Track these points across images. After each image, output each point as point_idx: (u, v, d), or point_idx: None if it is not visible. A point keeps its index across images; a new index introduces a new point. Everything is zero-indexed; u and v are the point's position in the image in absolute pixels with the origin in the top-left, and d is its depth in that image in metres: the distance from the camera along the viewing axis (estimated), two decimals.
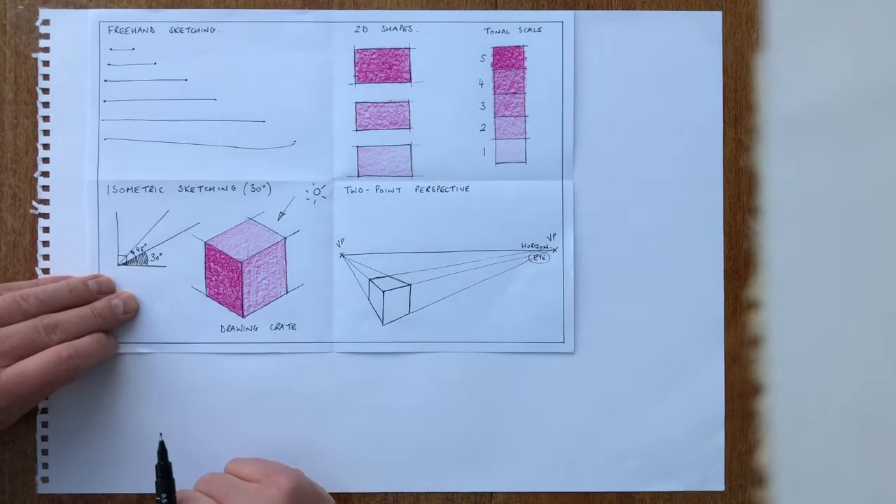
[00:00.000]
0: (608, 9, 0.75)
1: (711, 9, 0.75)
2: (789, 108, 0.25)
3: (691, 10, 0.75)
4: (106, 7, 0.74)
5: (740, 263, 0.75)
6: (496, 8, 0.75)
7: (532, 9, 0.75)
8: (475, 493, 0.75)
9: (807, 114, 0.24)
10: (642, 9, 0.75)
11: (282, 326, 0.75)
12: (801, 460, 0.27)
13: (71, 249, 0.74)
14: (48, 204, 0.74)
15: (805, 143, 0.25)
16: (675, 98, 0.75)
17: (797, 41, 0.25)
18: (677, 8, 0.75)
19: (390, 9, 0.75)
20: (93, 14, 0.74)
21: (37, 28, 0.74)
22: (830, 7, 0.24)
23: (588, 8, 0.75)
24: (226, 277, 0.74)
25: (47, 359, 0.66)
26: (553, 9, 0.75)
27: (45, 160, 0.74)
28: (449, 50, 0.75)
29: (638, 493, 0.75)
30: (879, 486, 0.25)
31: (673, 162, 0.75)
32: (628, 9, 0.75)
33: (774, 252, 0.26)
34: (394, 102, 0.75)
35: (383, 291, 0.74)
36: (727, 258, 0.75)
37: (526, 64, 0.75)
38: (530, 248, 0.75)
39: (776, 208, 0.26)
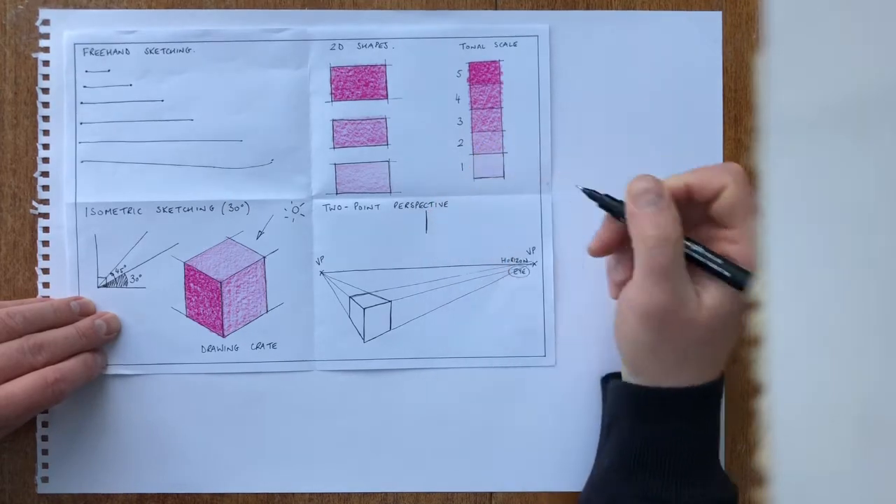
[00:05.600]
0: (608, 9, 0.75)
1: (711, 9, 0.75)
2: (789, 108, 0.25)
3: (691, 10, 0.75)
4: (106, 7, 0.74)
5: None
6: (496, 8, 0.75)
7: (532, 9, 0.75)
8: (475, 493, 0.75)
9: (807, 114, 0.25)
10: (642, 9, 0.75)
11: (262, 345, 0.74)
12: (801, 460, 0.27)
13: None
14: (48, 204, 0.74)
15: (805, 143, 0.25)
16: (675, 98, 0.75)
17: (797, 41, 0.25)
18: (677, 8, 0.75)
19: (390, 8, 0.75)
20: (67, 36, 0.74)
21: (37, 28, 0.74)
22: (830, 7, 0.24)
23: (588, 8, 0.75)
24: (206, 298, 0.74)
25: (33, 383, 0.65)
26: (553, 9, 0.75)
27: (45, 160, 0.74)
28: (425, 66, 0.75)
29: None
30: (879, 486, 0.25)
31: (673, 162, 0.75)
32: (628, 9, 0.75)
33: (774, 252, 0.26)
34: (371, 119, 0.75)
35: (364, 308, 0.74)
36: None
37: (502, 79, 0.75)
38: (510, 263, 0.75)
39: (776, 208, 0.26)
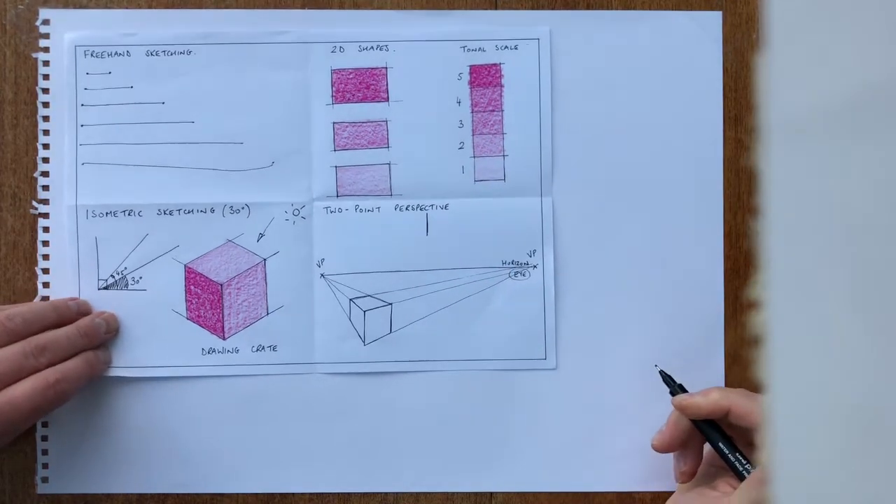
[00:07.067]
0: (608, 9, 0.75)
1: (711, 9, 0.75)
2: (789, 108, 0.25)
3: (691, 10, 0.75)
4: (106, 7, 0.74)
5: (740, 263, 0.75)
6: (496, 8, 0.75)
7: (532, 9, 0.75)
8: (475, 493, 0.75)
9: (807, 114, 0.25)
10: (642, 9, 0.75)
11: (263, 348, 0.74)
12: (801, 460, 0.27)
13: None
14: (48, 204, 0.74)
15: (805, 143, 0.25)
16: (675, 98, 0.75)
17: (797, 41, 0.25)
18: (677, 8, 0.75)
19: (390, 8, 0.75)
20: (68, 38, 0.74)
21: (37, 28, 0.74)
22: (830, 7, 0.24)
23: (588, 8, 0.75)
24: (206, 300, 0.74)
25: (34, 385, 0.65)
26: (553, 9, 0.75)
27: (45, 160, 0.74)
28: (426, 69, 0.75)
29: (638, 492, 0.75)
30: (879, 486, 0.25)
31: (673, 162, 0.75)
32: (628, 9, 0.75)
33: (774, 252, 0.26)
34: (372, 122, 0.75)
35: (364, 311, 0.74)
36: (727, 258, 0.75)
37: (503, 81, 0.75)
38: (510, 266, 0.75)
39: (776, 208, 0.26)
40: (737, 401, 0.66)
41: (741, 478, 0.66)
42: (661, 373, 0.72)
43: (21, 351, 0.66)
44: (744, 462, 0.66)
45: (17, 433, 0.68)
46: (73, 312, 0.72)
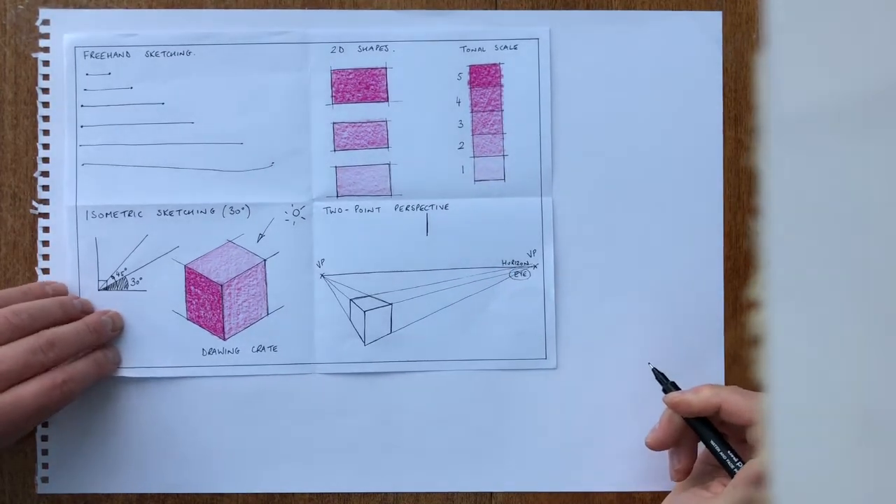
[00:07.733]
0: (608, 9, 0.75)
1: (711, 9, 0.75)
2: (789, 108, 0.25)
3: (691, 10, 0.75)
4: (106, 7, 0.74)
5: (740, 263, 0.75)
6: (496, 8, 0.75)
7: (532, 9, 0.75)
8: (475, 493, 0.75)
9: (807, 114, 0.25)
10: (642, 9, 0.75)
11: (263, 348, 0.74)
12: (801, 460, 0.27)
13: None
14: (48, 204, 0.74)
15: (805, 143, 0.25)
16: (675, 98, 0.75)
17: (797, 41, 0.25)
18: (677, 8, 0.75)
19: (390, 8, 0.75)
20: (68, 39, 0.74)
21: (37, 28, 0.74)
22: (830, 7, 0.24)
23: (588, 8, 0.75)
24: (206, 300, 0.74)
25: (41, 385, 0.65)
26: (553, 9, 0.75)
27: (45, 160, 0.74)
28: (426, 69, 0.75)
29: (638, 493, 0.75)
30: (879, 486, 0.25)
31: (673, 163, 0.75)
32: (628, 9, 0.75)
33: (774, 252, 0.26)
34: (371, 122, 0.75)
35: (364, 311, 0.74)
36: (727, 258, 0.75)
37: (503, 81, 0.75)
38: (511, 265, 0.75)
39: (776, 208, 0.26)
40: (728, 398, 0.66)
41: (733, 476, 0.66)
42: (654, 370, 0.72)
43: (29, 347, 0.65)
44: (735, 460, 0.67)
45: (22, 434, 0.68)
46: (78, 310, 0.72)
